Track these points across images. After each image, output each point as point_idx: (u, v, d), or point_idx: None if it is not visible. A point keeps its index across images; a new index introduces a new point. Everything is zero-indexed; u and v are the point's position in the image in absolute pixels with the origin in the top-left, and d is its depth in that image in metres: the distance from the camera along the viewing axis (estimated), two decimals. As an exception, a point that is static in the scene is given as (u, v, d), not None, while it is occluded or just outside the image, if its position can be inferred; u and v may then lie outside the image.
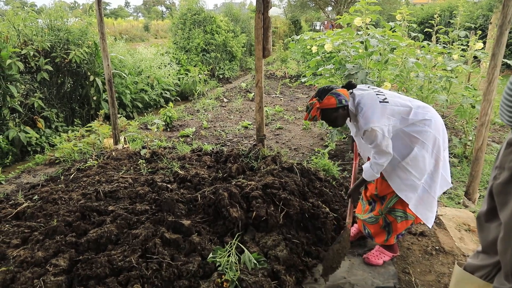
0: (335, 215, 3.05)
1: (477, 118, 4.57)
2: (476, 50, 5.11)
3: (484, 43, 6.31)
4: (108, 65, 4.68)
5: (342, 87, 2.43)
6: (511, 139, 1.66)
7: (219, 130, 6.29)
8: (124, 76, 7.36)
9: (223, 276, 2.29)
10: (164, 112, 6.66)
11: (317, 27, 34.83)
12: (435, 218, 3.31)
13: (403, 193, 2.39)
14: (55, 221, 2.84)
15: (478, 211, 1.97)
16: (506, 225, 1.68)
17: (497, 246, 1.76)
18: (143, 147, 5.06)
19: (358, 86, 2.50)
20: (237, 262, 2.41)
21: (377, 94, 2.35)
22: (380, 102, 2.30)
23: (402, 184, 2.38)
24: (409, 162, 2.33)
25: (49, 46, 5.88)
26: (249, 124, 6.54)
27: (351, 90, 2.44)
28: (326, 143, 5.41)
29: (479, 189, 3.72)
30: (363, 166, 2.45)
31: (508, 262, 1.69)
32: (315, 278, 2.50)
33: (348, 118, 2.49)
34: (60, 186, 3.71)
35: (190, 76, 9.58)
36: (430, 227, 2.56)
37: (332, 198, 3.31)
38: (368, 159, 2.60)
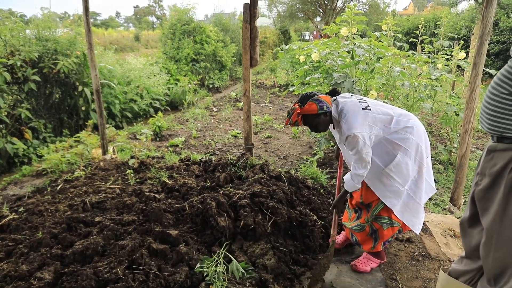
0: (323, 222, 3.05)
1: (461, 126, 4.64)
2: (459, 59, 5.20)
3: (467, 53, 6.43)
4: (96, 75, 4.65)
5: (326, 94, 2.46)
6: (491, 146, 1.70)
7: (208, 140, 6.28)
8: (113, 86, 7.32)
9: (210, 286, 2.27)
10: (153, 121, 6.63)
11: (306, 37, 35.18)
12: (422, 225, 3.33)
13: (388, 199, 2.41)
14: (40, 233, 2.79)
15: (461, 217, 1.99)
16: (487, 230, 1.70)
17: (479, 251, 1.78)
18: (132, 157, 5.02)
19: (341, 95, 2.53)
20: (225, 272, 2.38)
21: (360, 102, 2.38)
22: (362, 109, 2.33)
23: (386, 190, 2.40)
24: (392, 168, 2.35)
25: (37, 56, 5.84)
26: (238, 133, 6.54)
27: (334, 97, 2.47)
28: (315, 151, 5.43)
29: (463, 195, 3.76)
30: (344, 177, 2.47)
31: (490, 266, 1.71)
32: (303, 286, 2.49)
33: (332, 125, 2.51)
34: (46, 197, 3.66)
35: (180, 86, 9.57)
36: (418, 233, 2.58)
37: (320, 206, 3.31)
38: None
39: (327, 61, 5.00)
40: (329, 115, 2.40)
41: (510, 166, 1.59)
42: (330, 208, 2.89)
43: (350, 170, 2.45)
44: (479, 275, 1.90)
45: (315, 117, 2.37)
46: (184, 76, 10.89)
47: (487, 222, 1.71)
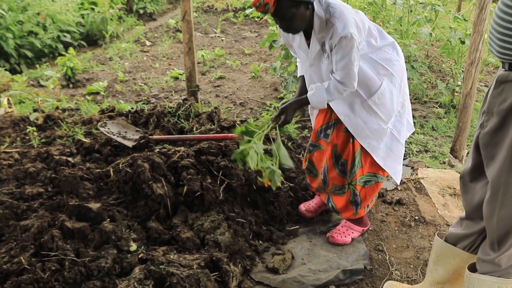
0: (291, 184, 3.13)
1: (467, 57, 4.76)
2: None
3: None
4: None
5: None
6: (502, 76, 1.70)
7: (140, 84, 6.18)
8: (1, 14, 6.92)
9: (146, 271, 2.30)
10: (63, 61, 6.39)
11: None
12: (415, 183, 3.48)
13: (367, 141, 2.47)
14: None
15: (462, 169, 2.07)
16: (493, 183, 1.77)
17: (482, 210, 1.87)
18: (35, 110, 4.89)
19: None
20: (165, 253, 2.42)
21: None
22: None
23: (366, 129, 2.45)
24: (376, 100, 2.40)
25: None
26: (180, 74, 6.46)
27: None
28: (281, 94, 5.47)
29: (467, 145, 3.93)
30: (313, 85, 2.43)
31: (495, 227, 1.80)
32: (267, 264, 2.56)
33: (300, 37, 2.47)
34: None
35: (98, 12, 9.21)
36: (398, 183, 2.72)
37: (288, 164, 3.37)
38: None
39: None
40: (311, 8, 2.32)
41: None
42: (279, 108, 2.74)
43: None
44: (481, 239, 2.02)
45: (294, 5, 2.26)
46: (104, -3, 10.45)
47: (493, 173, 1.77)
